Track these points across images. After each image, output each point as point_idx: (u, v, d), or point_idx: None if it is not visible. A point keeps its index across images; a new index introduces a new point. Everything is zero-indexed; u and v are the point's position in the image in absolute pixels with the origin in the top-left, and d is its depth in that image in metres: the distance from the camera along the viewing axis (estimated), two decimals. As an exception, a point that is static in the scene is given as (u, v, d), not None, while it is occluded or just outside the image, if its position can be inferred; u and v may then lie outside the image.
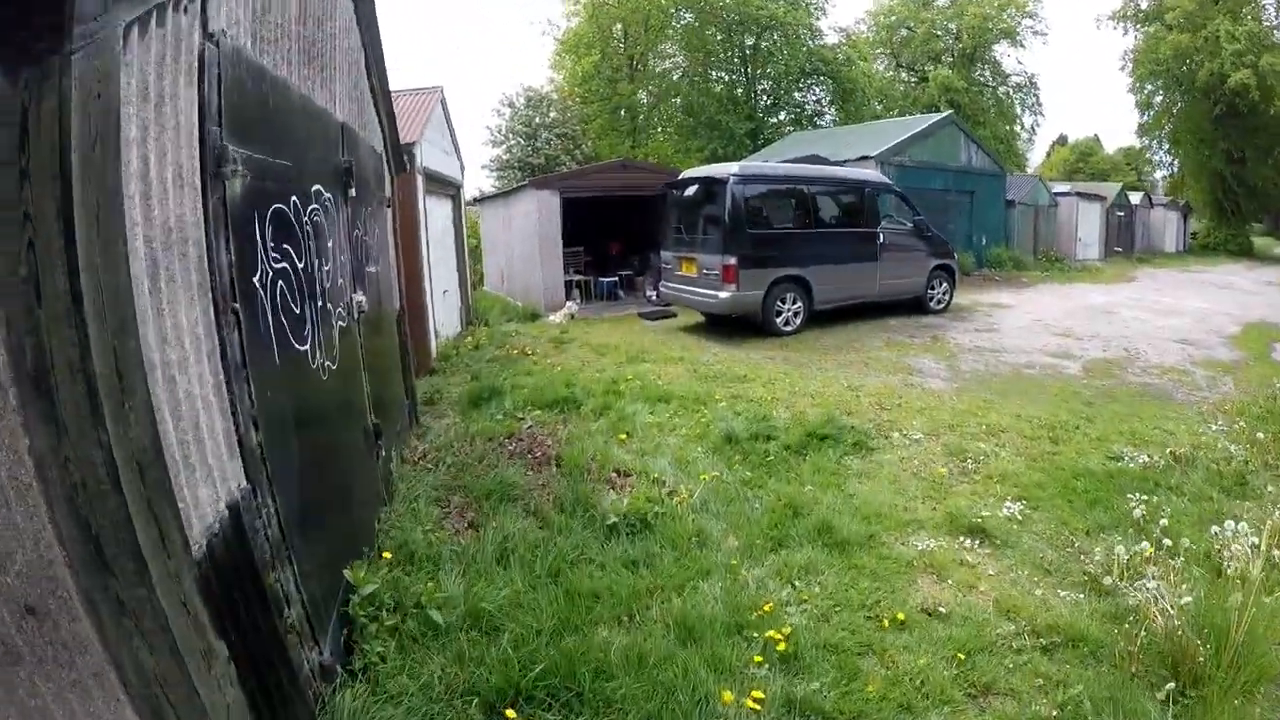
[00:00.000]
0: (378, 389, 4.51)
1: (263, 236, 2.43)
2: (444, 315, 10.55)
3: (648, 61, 32.47)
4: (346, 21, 4.37)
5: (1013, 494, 4.75)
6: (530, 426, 6.23)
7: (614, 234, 17.08)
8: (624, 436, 5.90)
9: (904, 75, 42.36)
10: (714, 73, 33.42)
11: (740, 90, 32.97)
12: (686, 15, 31.12)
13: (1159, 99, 36.47)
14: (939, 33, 40.36)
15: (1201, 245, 36.31)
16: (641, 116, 32.72)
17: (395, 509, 4.31)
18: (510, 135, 30.99)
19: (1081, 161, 58.70)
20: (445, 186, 11.06)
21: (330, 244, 3.40)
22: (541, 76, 49.28)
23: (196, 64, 1.96)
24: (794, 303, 10.39)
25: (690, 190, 11.17)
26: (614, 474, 5.23)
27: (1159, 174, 45.83)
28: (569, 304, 12.89)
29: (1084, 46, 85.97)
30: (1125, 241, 29.41)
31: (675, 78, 32.85)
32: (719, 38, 31.59)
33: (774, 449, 5.56)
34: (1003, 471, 5.15)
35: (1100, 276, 21.09)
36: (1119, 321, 11.93)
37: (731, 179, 9.90)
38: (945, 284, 12.53)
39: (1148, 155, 41.35)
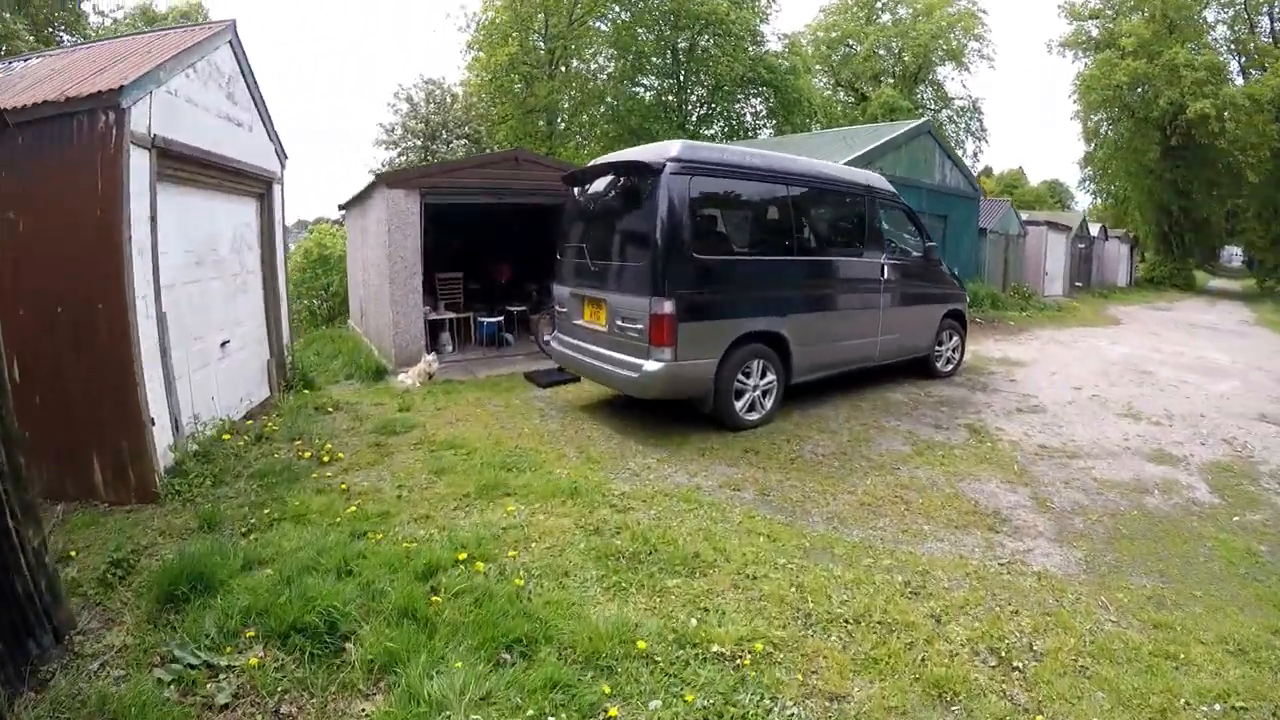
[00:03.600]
0: None
1: None
2: (220, 384, 6.23)
3: (570, 62, 28.50)
4: None
5: None
6: (226, 708, 2.41)
7: (507, 255, 12.93)
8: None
9: (842, 95, 40.21)
10: (643, 78, 29.74)
11: (671, 97, 29.34)
12: (615, 7, 27.25)
13: (1105, 129, 35.25)
14: (881, 51, 38.36)
15: (1146, 279, 35.27)
16: (562, 122, 28.60)
17: None
18: (407, 135, 26.55)
19: (1007, 193, 58.50)
20: (235, 178, 6.61)
21: None
22: (456, 76, 44.64)
23: None
24: (763, 375, 6.38)
25: (600, 185, 6.85)
26: None
27: (1091, 204, 45.03)
28: (427, 358, 8.70)
29: (1007, 79, 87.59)
30: (1084, 275, 27.59)
31: (601, 79, 28.92)
32: (650, 37, 27.88)
33: None
34: None
35: (1082, 317, 18.69)
36: (1168, 388, 9.02)
37: (669, 166, 5.72)
38: (956, 337, 8.99)
39: (1088, 185, 40.20)
